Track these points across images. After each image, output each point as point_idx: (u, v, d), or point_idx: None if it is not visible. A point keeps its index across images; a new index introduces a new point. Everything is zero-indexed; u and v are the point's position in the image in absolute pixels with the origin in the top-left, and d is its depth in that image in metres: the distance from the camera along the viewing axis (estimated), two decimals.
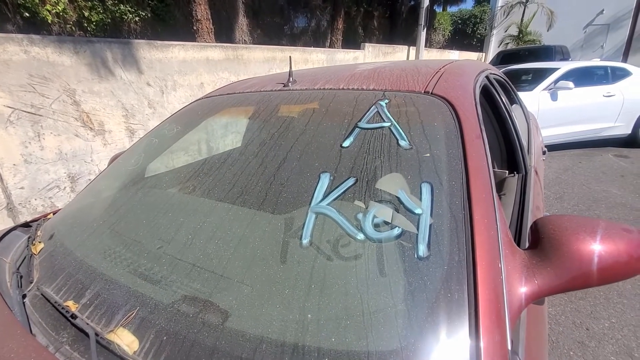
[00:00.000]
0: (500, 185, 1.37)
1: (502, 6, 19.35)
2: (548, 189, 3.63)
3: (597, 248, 0.62)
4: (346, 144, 0.88)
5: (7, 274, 0.91)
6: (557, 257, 0.64)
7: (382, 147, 0.84)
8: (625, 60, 15.00)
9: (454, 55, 14.02)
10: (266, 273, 0.68)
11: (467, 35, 23.14)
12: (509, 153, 1.45)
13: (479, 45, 22.25)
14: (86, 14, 5.10)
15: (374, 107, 0.96)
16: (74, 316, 0.69)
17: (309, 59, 5.56)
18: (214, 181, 1.00)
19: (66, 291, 0.77)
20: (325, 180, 0.80)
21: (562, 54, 9.34)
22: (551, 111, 4.54)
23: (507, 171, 1.44)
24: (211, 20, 5.43)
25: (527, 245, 0.73)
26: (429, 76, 1.08)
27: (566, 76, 4.74)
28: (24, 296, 0.80)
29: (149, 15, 5.93)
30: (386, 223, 0.68)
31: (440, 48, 18.04)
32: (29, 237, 1.05)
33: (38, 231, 1.08)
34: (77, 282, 0.79)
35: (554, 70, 4.84)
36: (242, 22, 8.19)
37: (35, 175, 2.74)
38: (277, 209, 0.81)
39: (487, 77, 1.34)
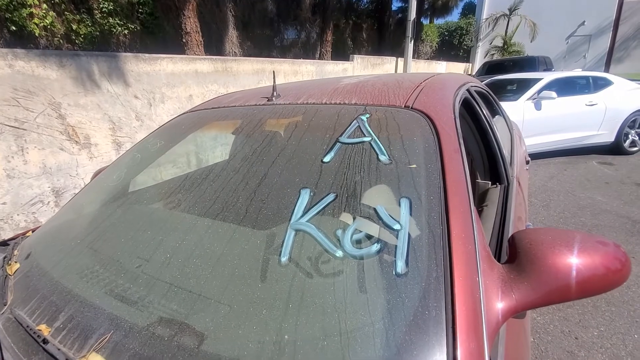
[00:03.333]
0: (483, 196, 1.39)
1: (486, 18, 19.91)
2: (534, 196, 3.68)
3: (574, 261, 0.63)
4: (327, 159, 0.88)
5: None
6: (534, 271, 0.64)
7: (362, 162, 0.85)
8: (607, 69, 15.52)
9: (441, 66, 14.30)
10: (244, 292, 0.67)
11: (454, 46, 23.72)
12: (491, 164, 1.47)
13: (465, 56, 22.79)
14: (74, 27, 5.08)
15: (355, 121, 0.97)
16: (45, 341, 0.66)
17: (299, 71, 5.62)
18: (195, 197, 0.99)
19: (39, 314, 0.75)
20: (305, 196, 0.79)
21: (545, 64, 9.61)
22: (536, 120, 4.64)
23: (489, 182, 1.46)
24: (200, 33, 5.47)
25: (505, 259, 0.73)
26: (410, 90, 1.09)
27: (549, 86, 4.87)
28: None
29: (138, 28, 5.94)
30: (366, 239, 0.68)
31: (427, 59, 18.39)
32: (4, 257, 1.02)
33: (15, 250, 1.05)
34: (51, 305, 0.76)
35: (537, 80, 4.96)
36: (232, 34, 8.26)
37: (17, 190, 2.68)
38: (257, 225, 0.80)
39: (468, 90, 1.37)
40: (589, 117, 4.85)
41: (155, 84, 3.54)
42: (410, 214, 0.70)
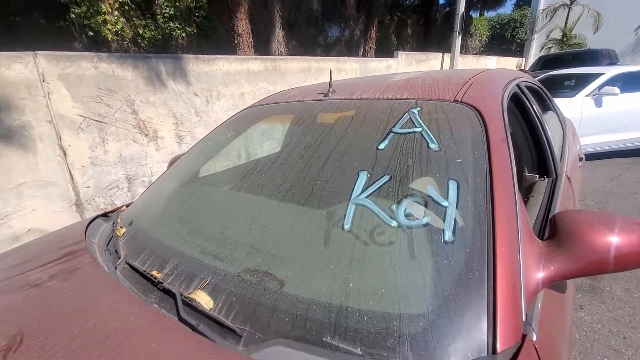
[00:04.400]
0: (529, 188, 1.42)
1: (544, 9, 18.53)
2: (590, 198, 3.49)
3: (613, 239, 0.70)
4: (381, 146, 1.00)
5: (97, 252, 1.11)
6: (573, 245, 0.72)
7: (413, 149, 0.95)
8: None
9: (492, 61, 13.62)
10: (314, 252, 0.81)
11: (506, 40, 22.36)
12: (539, 158, 1.49)
13: (518, 50, 21.41)
14: (140, 31, 5.62)
15: (407, 114, 1.08)
16: (159, 282, 0.86)
17: (343, 68, 5.73)
18: (265, 179, 1.15)
19: (150, 264, 0.95)
20: (363, 178, 0.92)
21: (609, 58, 8.84)
22: (595, 118, 4.36)
23: (537, 175, 1.48)
24: (251, 34, 5.77)
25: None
26: (459, 86, 1.17)
27: (612, 81, 4.54)
28: (115, 269, 0.99)
29: (195, 30, 6.41)
30: (417, 213, 0.79)
31: (476, 54, 17.59)
32: (113, 223, 1.25)
33: (118, 219, 1.29)
34: (158, 257, 0.96)
35: (598, 75, 4.65)
36: (279, 34, 8.56)
37: (99, 176, 3.09)
38: (322, 201, 0.94)
39: (517, 85, 1.41)
40: None
41: (212, 82, 3.85)
42: (457, 194, 0.80)
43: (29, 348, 0.68)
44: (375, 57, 8.75)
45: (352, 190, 0.89)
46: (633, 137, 4.49)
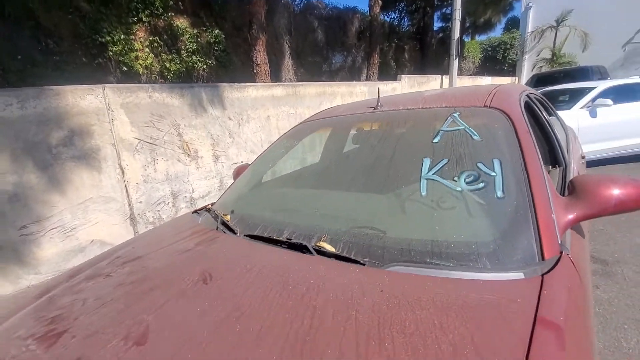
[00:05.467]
0: None
1: (532, 31, 19.53)
2: None
3: (615, 191, 1.03)
4: (435, 140, 1.34)
5: (217, 230, 1.42)
6: (586, 197, 1.04)
7: (461, 141, 1.30)
8: None
9: (487, 80, 14.29)
10: (403, 211, 1.14)
11: (498, 61, 23.32)
12: (550, 152, 1.84)
13: (510, 70, 22.31)
14: (167, 65, 6.15)
15: (450, 117, 1.43)
16: (285, 242, 1.17)
17: (353, 92, 6.20)
18: (348, 168, 1.50)
19: (269, 233, 1.27)
20: (427, 162, 1.26)
21: (600, 73, 9.39)
22: (591, 128, 4.74)
23: (549, 165, 1.82)
24: (268, 64, 6.30)
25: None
26: (485, 95, 1.53)
27: (605, 94, 4.96)
28: (243, 237, 1.30)
29: (214, 63, 6.96)
30: (474, 181, 1.12)
31: (471, 75, 18.40)
32: (216, 216, 1.57)
33: (218, 211, 1.61)
34: (274, 229, 1.28)
35: (590, 89, 5.08)
36: (288, 62, 9.18)
37: (150, 192, 3.43)
38: (398, 180, 1.28)
39: (527, 95, 1.78)
40: None
41: (243, 107, 4.27)
42: (501, 167, 1.13)
43: (218, 280, 0.99)
44: (378, 80, 9.32)
45: (421, 170, 1.23)
46: (628, 144, 4.85)
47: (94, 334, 0.83)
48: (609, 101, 4.77)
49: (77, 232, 2.94)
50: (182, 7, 6.64)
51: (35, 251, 2.75)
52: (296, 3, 9.53)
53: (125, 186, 3.23)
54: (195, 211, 1.78)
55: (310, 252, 1.07)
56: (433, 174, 1.20)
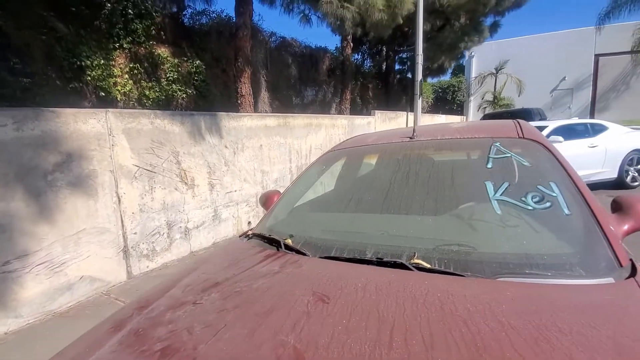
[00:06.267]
0: None
1: (475, 77, 22.01)
2: None
3: None
4: (489, 166, 1.50)
5: (282, 254, 1.41)
6: (632, 212, 1.23)
7: (512, 166, 1.47)
8: (592, 118, 16.96)
9: (442, 118, 15.60)
10: (486, 229, 1.25)
11: (448, 101, 25.70)
12: None
13: (459, 109, 24.66)
14: (147, 92, 6.00)
15: (492, 146, 1.61)
16: (378, 260, 1.21)
17: (336, 124, 6.47)
18: (409, 192, 1.57)
19: (347, 254, 1.30)
20: (490, 185, 1.40)
21: (539, 114, 10.75)
22: None
23: None
24: (252, 95, 6.40)
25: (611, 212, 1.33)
26: (512, 128, 1.75)
27: (555, 132, 5.71)
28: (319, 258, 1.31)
29: (194, 92, 6.92)
30: (540, 200, 1.27)
31: (426, 113, 19.97)
32: (278, 242, 1.53)
33: (276, 235, 1.60)
34: (352, 250, 1.31)
35: (544, 127, 5.82)
36: (264, 95, 9.37)
37: (145, 222, 3.22)
38: (464, 202, 1.39)
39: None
40: (593, 157, 5.63)
41: (239, 136, 4.27)
42: (559, 188, 1.30)
43: (337, 299, 1.00)
44: (350, 115, 9.81)
45: (488, 193, 1.36)
46: (580, 175, 5.54)
47: None
48: (560, 138, 5.48)
49: (67, 267, 2.66)
50: (164, 37, 6.62)
51: (16, 291, 2.43)
52: (272, 40, 9.93)
53: (121, 215, 3.01)
54: (246, 236, 1.72)
55: (407, 269, 1.12)
56: (501, 195, 1.34)
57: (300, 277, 1.16)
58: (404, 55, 17.51)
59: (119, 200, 2.99)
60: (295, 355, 0.78)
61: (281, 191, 2.06)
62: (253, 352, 0.81)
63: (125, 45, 5.69)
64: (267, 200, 2.09)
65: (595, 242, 1.10)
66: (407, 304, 0.92)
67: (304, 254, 1.35)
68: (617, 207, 1.31)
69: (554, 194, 1.28)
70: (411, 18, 9.20)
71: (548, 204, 1.25)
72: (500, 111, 13.66)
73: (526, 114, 10.54)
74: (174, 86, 6.50)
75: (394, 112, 9.79)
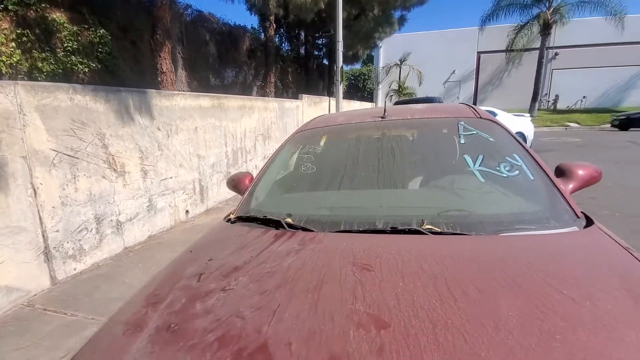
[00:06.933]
0: None
1: (383, 67, 23.81)
2: None
3: (580, 171, 1.59)
4: (462, 141, 1.72)
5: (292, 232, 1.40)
6: (573, 177, 1.58)
7: (482, 141, 1.70)
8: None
9: (357, 104, 16.55)
10: (476, 196, 1.44)
11: (359, 89, 27.28)
12: None
13: (369, 97, 26.44)
14: (40, 64, 4.91)
15: (459, 125, 1.84)
16: (394, 227, 1.30)
17: (268, 107, 6.32)
18: (393, 167, 1.69)
19: (356, 226, 1.36)
20: (468, 158, 1.60)
21: (440, 102, 12.29)
22: None
23: None
24: (174, 72, 5.79)
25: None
26: (469, 110, 2.02)
27: None
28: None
29: (99, 66, 5.91)
30: (511, 168, 1.52)
31: (344, 99, 20.84)
32: (277, 224, 1.49)
33: (276, 216, 1.55)
34: (360, 223, 1.38)
35: None
36: (181, 74, 8.55)
37: (69, 217, 2.71)
38: (450, 173, 1.58)
39: None
40: None
41: (172, 117, 3.85)
42: (521, 158, 1.58)
43: (379, 268, 1.05)
44: (275, 97, 9.68)
45: (468, 165, 1.57)
46: None
47: (311, 337, 0.78)
48: None
49: None
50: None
51: None
52: (188, 13, 8.99)
53: (39, 211, 2.48)
54: (234, 220, 1.61)
55: (421, 234, 1.24)
56: (479, 166, 1.56)
57: (329, 252, 1.17)
58: (320, 42, 17.84)
59: (35, 193, 2.45)
60: (374, 321, 0.79)
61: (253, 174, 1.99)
62: (327, 325, 0.80)
63: (10, 7, 4.48)
64: (238, 183, 1.99)
65: (558, 200, 1.37)
66: (445, 261, 1.02)
67: (311, 231, 1.35)
68: (561, 173, 1.64)
69: (519, 163, 1.54)
70: (331, 4, 9.40)
71: (517, 172, 1.50)
72: (408, 99, 15.12)
73: (430, 101, 11.96)
74: (73, 58, 5.44)
75: (319, 96, 10.00)
